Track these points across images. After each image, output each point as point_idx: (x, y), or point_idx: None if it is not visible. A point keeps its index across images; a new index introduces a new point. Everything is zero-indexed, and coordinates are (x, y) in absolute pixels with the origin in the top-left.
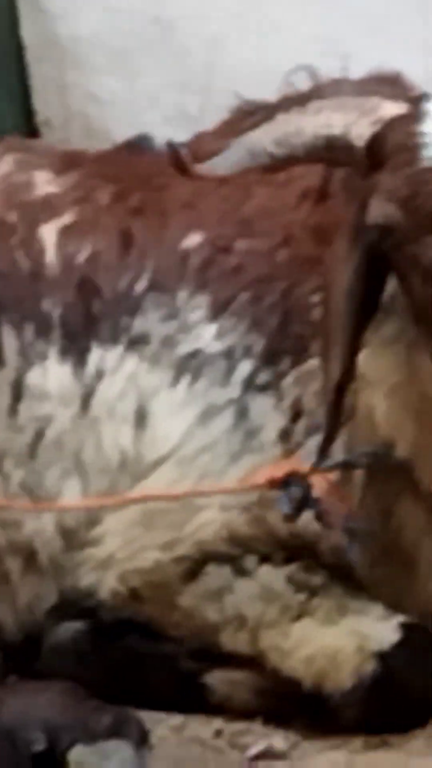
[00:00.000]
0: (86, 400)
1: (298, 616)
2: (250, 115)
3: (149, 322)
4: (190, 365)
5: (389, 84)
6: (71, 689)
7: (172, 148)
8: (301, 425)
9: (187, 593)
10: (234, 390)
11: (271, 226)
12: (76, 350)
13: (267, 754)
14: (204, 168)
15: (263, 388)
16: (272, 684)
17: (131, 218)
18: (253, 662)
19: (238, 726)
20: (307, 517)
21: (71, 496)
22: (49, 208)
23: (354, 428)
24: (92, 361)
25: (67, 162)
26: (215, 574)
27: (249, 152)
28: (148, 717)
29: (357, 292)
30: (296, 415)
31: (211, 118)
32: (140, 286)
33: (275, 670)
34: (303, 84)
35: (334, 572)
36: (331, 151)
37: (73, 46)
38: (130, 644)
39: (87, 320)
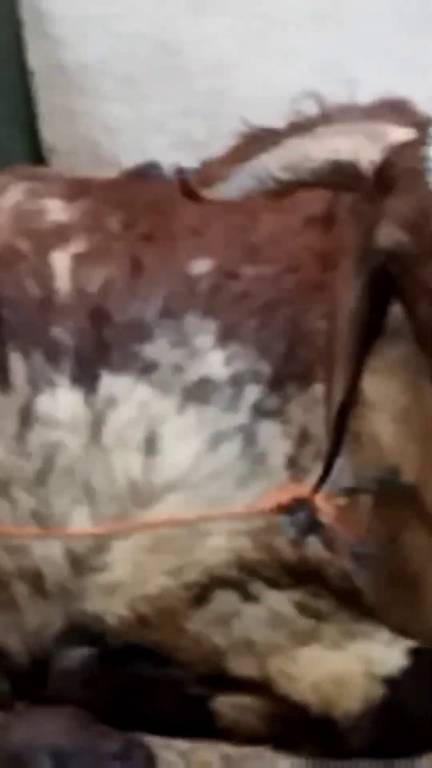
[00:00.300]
0: (97, 427)
1: (306, 641)
2: (257, 140)
3: (159, 348)
4: (199, 392)
5: (397, 109)
6: (78, 714)
7: (181, 174)
8: (309, 451)
9: (195, 619)
10: (242, 416)
11: (278, 252)
12: (87, 377)
13: None
14: (212, 194)
15: (270, 414)
16: (280, 709)
17: (141, 245)
18: (260, 687)
19: (246, 751)
20: (314, 543)
21: (80, 522)
22: (60, 235)
23: (360, 453)
24: (103, 389)
25: (77, 189)
26: (222, 600)
27: (256, 177)
28: (156, 742)
29: (361, 315)
30: (303, 440)
31: (218, 144)
32: (150, 312)
33: (283, 696)
34: (310, 110)
35: (342, 597)
36: (338, 177)
37: (79, 72)
38: (138, 670)
39: (98, 347)
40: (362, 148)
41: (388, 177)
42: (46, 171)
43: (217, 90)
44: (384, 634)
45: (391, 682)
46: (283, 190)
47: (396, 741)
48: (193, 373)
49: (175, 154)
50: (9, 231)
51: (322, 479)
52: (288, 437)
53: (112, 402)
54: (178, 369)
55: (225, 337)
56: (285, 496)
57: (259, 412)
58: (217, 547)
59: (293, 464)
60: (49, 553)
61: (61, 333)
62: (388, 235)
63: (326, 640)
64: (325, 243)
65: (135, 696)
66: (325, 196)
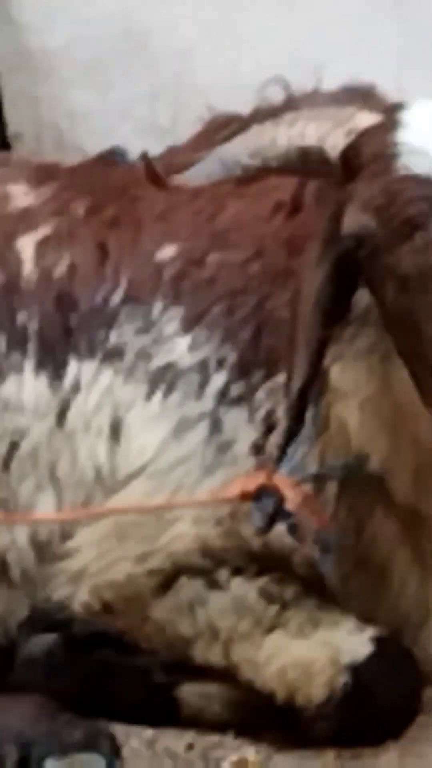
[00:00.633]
0: (62, 413)
1: (271, 629)
2: (223, 127)
3: (125, 334)
4: (165, 378)
5: (363, 95)
6: (44, 702)
7: (147, 160)
8: (274, 438)
9: (160, 606)
10: (207, 403)
11: (244, 238)
12: (52, 363)
13: (240, 767)
14: (178, 180)
15: (236, 401)
16: (245, 697)
17: (107, 230)
18: (225, 675)
19: (211, 739)
20: (279, 530)
21: (45, 509)
22: (25, 220)
23: (327, 440)
24: (69, 374)
25: (42, 175)
26: (188, 587)
27: (223, 164)
28: (121, 730)
29: (325, 299)
30: (269, 427)
31: (183, 130)
32: (116, 298)
33: (248, 683)
34: (276, 96)
35: (307, 585)
36: (305, 162)
37: (44, 58)
38: (103, 657)
39: (64, 333)
40: (329, 133)
41: (354, 162)
42: (11, 156)
43: (181, 76)
44: (349, 622)
45: (356, 670)
46: (250, 177)
47: (360, 728)
48: (159, 360)
49: (140, 140)
50: None
51: (278, 460)
52: (254, 424)
53: (77, 388)
54: (143, 355)
55: (191, 323)
56: (251, 484)
57: (225, 399)
58: (183, 534)
59: (259, 451)
60: (14, 540)
61: (27, 318)
62: (355, 219)
63: (291, 627)
64: (291, 229)
65: (100, 684)
66: (292, 182)
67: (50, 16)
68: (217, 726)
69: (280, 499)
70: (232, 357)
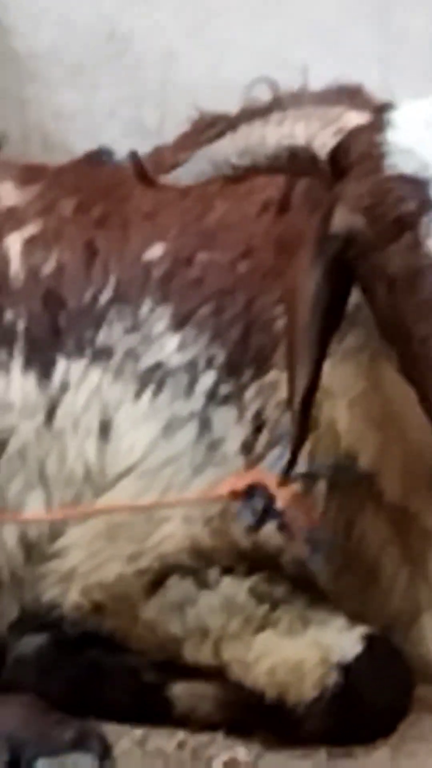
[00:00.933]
0: (51, 412)
1: (261, 628)
2: (209, 127)
3: (113, 334)
4: (153, 377)
5: (350, 96)
6: (34, 702)
7: (135, 158)
8: (263, 437)
9: (150, 606)
10: (197, 402)
11: (233, 238)
12: (40, 362)
13: (231, 766)
14: (167, 179)
15: (225, 400)
16: (235, 696)
17: (94, 229)
18: (216, 674)
19: (202, 738)
20: (269, 529)
21: (34, 508)
22: (13, 219)
23: (317, 439)
24: (57, 373)
25: (30, 174)
26: (178, 587)
27: (212, 163)
28: (111, 730)
29: (322, 302)
30: (258, 426)
31: (169, 131)
32: (104, 297)
33: (238, 682)
34: (263, 96)
35: (297, 584)
36: (294, 162)
37: (30, 60)
38: (93, 657)
39: (52, 332)
40: (317, 133)
41: (343, 161)
42: None
43: (167, 78)
44: (339, 621)
45: (346, 668)
46: (238, 176)
47: (351, 727)
48: (148, 359)
49: (126, 142)
50: None
51: (289, 467)
52: (243, 423)
53: (65, 387)
54: (132, 355)
55: (179, 322)
56: (240, 483)
57: (214, 398)
58: (172, 534)
59: (248, 450)
60: (2, 540)
61: (15, 317)
62: (344, 219)
63: (281, 626)
64: (280, 229)
65: (90, 683)
66: (280, 182)
67: (36, 18)
68: (208, 725)
69: (270, 498)
70: (221, 356)
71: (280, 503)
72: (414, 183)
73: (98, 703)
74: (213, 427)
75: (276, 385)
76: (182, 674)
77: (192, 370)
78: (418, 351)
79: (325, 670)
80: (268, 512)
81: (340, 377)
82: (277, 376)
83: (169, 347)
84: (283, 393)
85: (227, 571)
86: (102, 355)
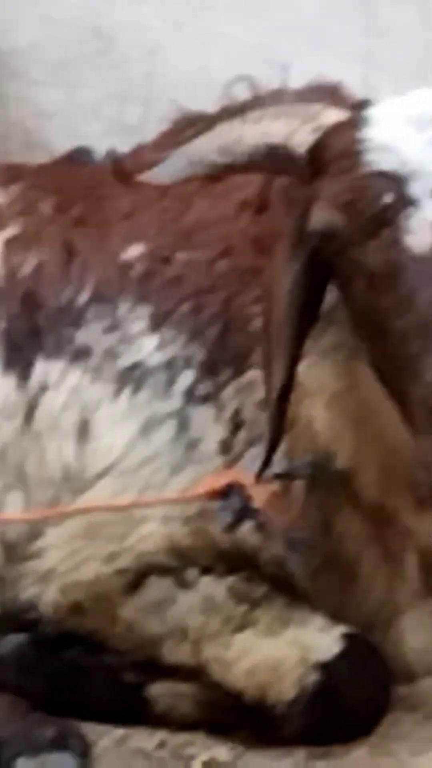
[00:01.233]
0: (30, 412)
1: (240, 628)
2: (190, 126)
3: (92, 334)
4: (132, 377)
5: (329, 94)
6: (14, 702)
7: (114, 158)
8: (242, 436)
9: (129, 605)
10: (175, 401)
11: (211, 237)
12: (20, 363)
13: (211, 765)
14: (146, 177)
15: (204, 400)
16: (215, 695)
17: (73, 229)
18: (195, 674)
19: (182, 737)
20: (247, 528)
21: (13, 509)
22: None
23: (294, 438)
24: (36, 374)
25: (9, 174)
26: (157, 586)
27: (190, 161)
28: (91, 729)
29: (298, 299)
30: (236, 426)
31: (152, 129)
32: (83, 297)
33: (218, 682)
34: (243, 94)
35: (276, 583)
36: (272, 159)
37: (11, 57)
38: (73, 657)
39: (31, 332)
40: (295, 130)
41: (321, 158)
42: None
43: (150, 75)
44: (318, 620)
45: (325, 668)
46: (216, 175)
47: (330, 726)
48: (126, 359)
49: (108, 140)
50: None
51: (264, 466)
52: (221, 423)
53: (45, 387)
54: (111, 354)
55: (158, 322)
56: (219, 482)
57: (193, 397)
58: (151, 533)
59: (227, 450)
60: None
61: None
62: (322, 216)
63: (260, 626)
64: (258, 228)
65: (70, 683)
66: (257, 180)
67: (17, 15)
68: (188, 725)
69: (247, 498)
70: (199, 355)
71: (257, 503)
72: (392, 179)
73: (78, 702)
74: (191, 427)
75: (254, 385)
76: (162, 674)
77: (170, 369)
78: (396, 347)
79: (305, 669)
80: (245, 512)
81: (318, 376)
82: (255, 375)
83: (147, 347)
84: (261, 392)
85: (206, 570)
86: (81, 355)
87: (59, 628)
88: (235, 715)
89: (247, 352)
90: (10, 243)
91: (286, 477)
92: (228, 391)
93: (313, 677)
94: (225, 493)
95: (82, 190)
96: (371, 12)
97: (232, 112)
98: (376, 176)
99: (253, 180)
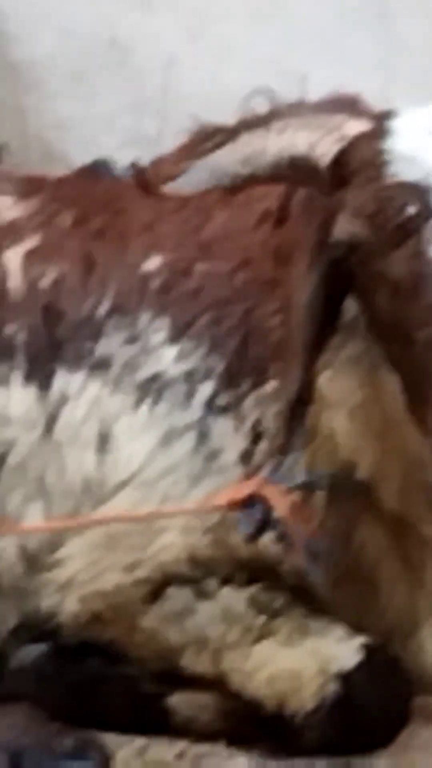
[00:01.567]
0: (50, 424)
1: (260, 638)
2: (208, 138)
3: (111, 345)
4: (152, 388)
5: (348, 105)
6: (33, 712)
7: (137, 168)
8: (262, 447)
9: (149, 615)
10: (195, 413)
11: (231, 248)
12: (40, 374)
13: None
14: (169, 189)
15: (223, 411)
16: (234, 706)
17: (93, 242)
18: (215, 684)
19: (201, 748)
20: (268, 539)
21: (34, 520)
22: (12, 233)
23: (315, 449)
24: (56, 386)
25: (29, 187)
26: (177, 597)
27: (213, 172)
28: (111, 740)
29: (316, 309)
30: (257, 437)
31: (169, 141)
32: (102, 309)
33: (237, 692)
34: (261, 107)
35: (296, 593)
36: (295, 170)
37: (29, 69)
38: (92, 667)
39: (51, 344)
40: (319, 141)
41: (344, 169)
42: None
43: (166, 87)
44: (337, 630)
45: (345, 678)
46: (238, 186)
47: (350, 737)
48: (146, 370)
49: (125, 151)
50: None
51: (275, 469)
52: (241, 434)
53: (65, 399)
54: (130, 366)
55: (178, 333)
56: (239, 493)
57: (213, 408)
58: (171, 544)
59: (247, 460)
60: (2, 551)
61: (14, 330)
62: (346, 227)
63: (280, 636)
64: (278, 239)
65: (89, 693)
66: (278, 192)
67: (35, 26)
68: (208, 735)
69: (269, 508)
70: (219, 367)
71: (278, 513)
72: (416, 190)
73: (97, 713)
74: (211, 438)
75: (274, 396)
76: (181, 684)
77: (190, 380)
78: (420, 357)
79: (324, 680)
80: (266, 522)
81: (339, 387)
82: (275, 386)
83: (167, 358)
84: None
85: (226, 581)
86: (100, 366)
87: (79, 638)
88: (254, 725)
89: (266, 363)
90: (29, 255)
91: (307, 487)
92: (248, 402)
93: (333, 688)
94: (246, 503)
95: (101, 202)
96: (388, 23)
97: (251, 124)
98: (400, 187)
99: (273, 191)
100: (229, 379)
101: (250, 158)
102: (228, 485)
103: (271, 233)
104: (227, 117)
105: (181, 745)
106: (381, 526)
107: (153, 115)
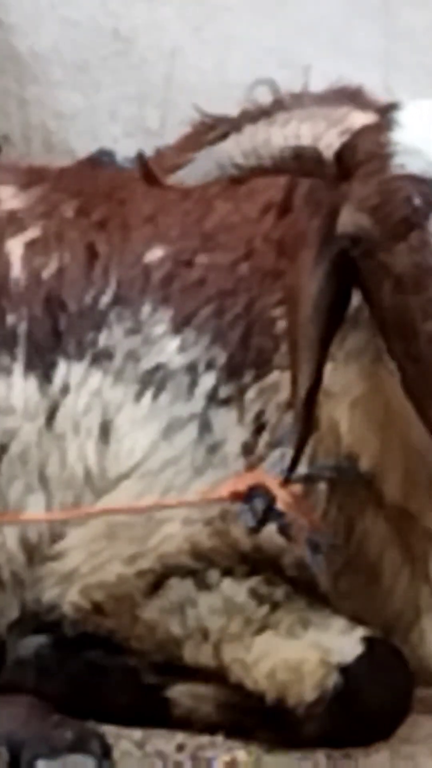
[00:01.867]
0: (51, 414)
1: (261, 630)
2: (211, 129)
3: (113, 336)
4: (154, 379)
5: (351, 97)
6: (34, 703)
7: (142, 159)
8: (264, 438)
9: (150, 607)
10: (197, 404)
11: (233, 239)
12: (41, 365)
13: None
14: (173, 179)
15: (226, 402)
16: (235, 697)
17: (95, 232)
18: (216, 675)
19: (201, 740)
20: (270, 530)
21: (35, 510)
22: (14, 223)
23: (318, 441)
24: (58, 376)
25: (31, 177)
26: (178, 588)
27: (216, 164)
28: (111, 731)
29: (324, 301)
30: (259, 428)
31: (172, 132)
32: (104, 300)
33: (238, 684)
34: (264, 97)
35: (297, 585)
36: (299, 162)
37: (32, 60)
38: (93, 658)
39: (53, 335)
40: (323, 133)
41: (349, 161)
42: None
43: (169, 77)
44: (339, 623)
45: (346, 670)
46: (242, 177)
47: (350, 729)
48: (148, 361)
49: (128, 142)
50: None
51: (293, 465)
52: (244, 425)
53: (66, 390)
54: (132, 357)
55: (180, 324)
56: (241, 484)
57: (215, 399)
58: (173, 535)
59: (249, 451)
60: (3, 542)
61: (16, 320)
62: (350, 219)
63: (281, 628)
64: (281, 230)
65: (90, 685)
66: (281, 183)
67: (37, 17)
68: (208, 727)
69: (271, 500)
70: (221, 358)
71: (280, 505)
72: (421, 182)
73: (98, 704)
74: (213, 429)
75: (277, 387)
76: (182, 675)
77: (192, 371)
78: (424, 348)
79: (325, 671)
80: (268, 514)
81: (342, 379)
82: (277, 377)
83: (169, 349)
84: (283, 394)
85: (227, 572)
86: (102, 357)
87: (80, 629)
88: (255, 717)
89: (269, 354)
90: (32, 245)
91: (309, 479)
92: (250, 394)
93: (334, 680)
94: (248, 495)
95: (104, 193)
96: (390, 14)
97: (254, 115)
98: (405, 179)
99: (276, 183)
100: (232, 371)
101: (254, 149)
102: (230, 477)
103: (274, 224)
104: (230, 108)
105: (181, 736)
106: (383, 518)
107: (156, 105)
